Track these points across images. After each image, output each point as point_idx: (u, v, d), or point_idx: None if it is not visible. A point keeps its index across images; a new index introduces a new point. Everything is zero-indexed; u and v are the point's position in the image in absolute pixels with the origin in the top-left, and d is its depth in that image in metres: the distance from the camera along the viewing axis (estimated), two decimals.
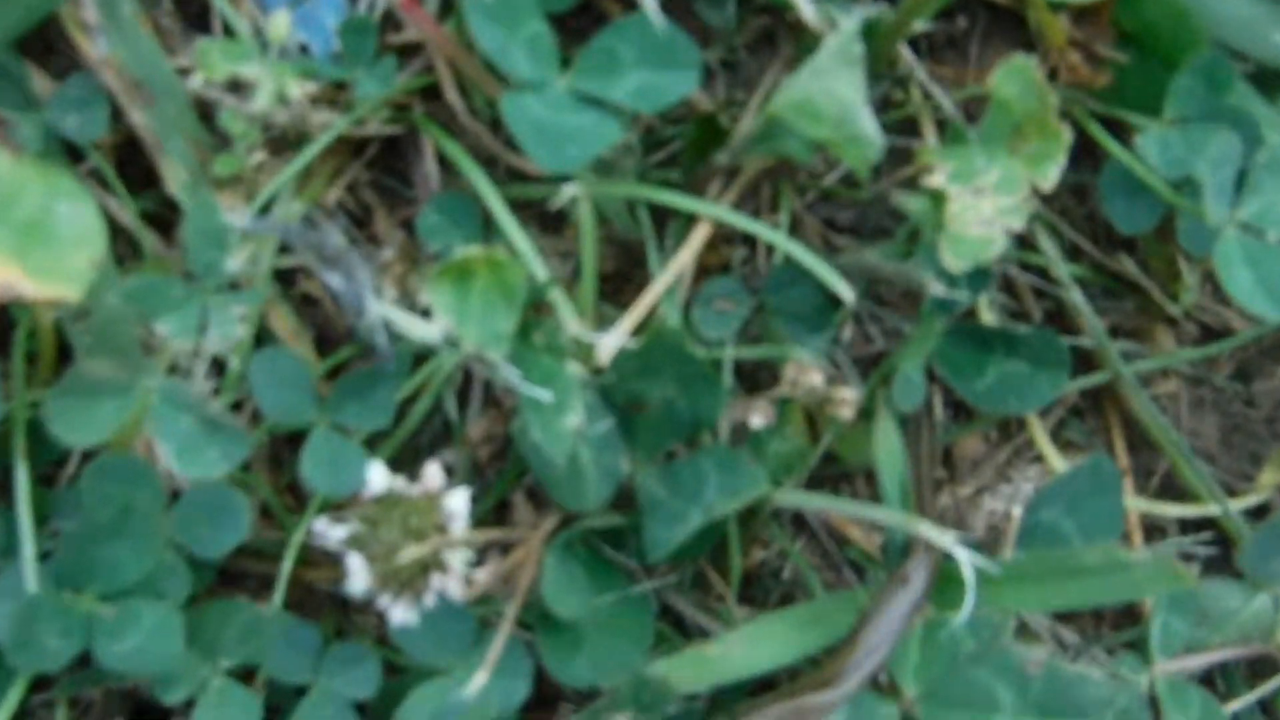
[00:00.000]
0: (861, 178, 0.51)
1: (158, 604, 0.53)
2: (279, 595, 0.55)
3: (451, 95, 0.59)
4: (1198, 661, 0.59)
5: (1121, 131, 0.60)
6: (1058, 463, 0.63)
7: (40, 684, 0.56)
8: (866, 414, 0.59)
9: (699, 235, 0.57)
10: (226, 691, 0.55)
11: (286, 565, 0.56)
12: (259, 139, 0.57)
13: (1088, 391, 0.65)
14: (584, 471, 0.54)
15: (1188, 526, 0.65)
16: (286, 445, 0.60)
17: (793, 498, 0.56)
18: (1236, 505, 0.64)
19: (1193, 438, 0.66)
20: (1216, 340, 0.65)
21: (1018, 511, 0.57)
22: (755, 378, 0.61)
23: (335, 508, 0.57)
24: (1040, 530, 0.58)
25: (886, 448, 0.54)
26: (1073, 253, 0.64)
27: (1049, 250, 0.62)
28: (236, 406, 0.58)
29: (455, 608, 0.53)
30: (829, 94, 0.52)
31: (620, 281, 0.62)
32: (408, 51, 0.61)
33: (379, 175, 0.62)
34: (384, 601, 0.52)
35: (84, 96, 0.56)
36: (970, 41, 0.64)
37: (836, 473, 0.63)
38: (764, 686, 0.56)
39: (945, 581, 0.55)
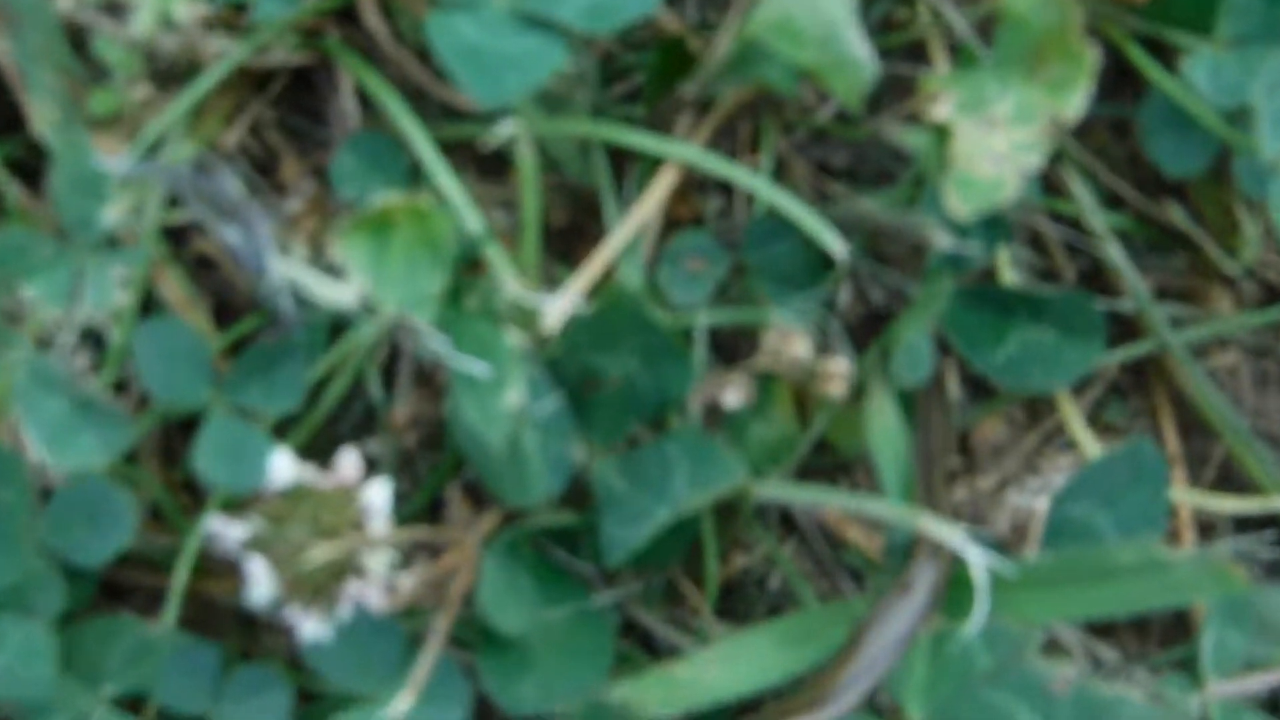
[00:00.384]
0: (853, 111, 0.52)
1: (25, 621, 0.55)
2: (172, 611, 0.57)
3: (371, 17, 0.60)
4: (1257, 682, 0.61)
5: (1166, 55, 0.62)
6: (1094, 450, 0.64)
7: None
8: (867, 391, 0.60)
9: (665, 181, 0.59)
10: None
11: (181, 575, 0.57)
12: (141, 70, 0.58)
13: (1130, 365, 0.67)
14: (528, 460, 0.55)
15: (1248, 524, 0.66)
16: (179, 432, 0.61)
17: (777, 490, 0.57)
18: None
19: (1255, 419, 0.67)
20: None
21: (1043, 504, 0.59)
22: (734, 349, 0.63)
23: (238, 506, 0.58)
24: (1070, 527, 0.59)
25: (883, 428, 0.56)
26: (1111, 200, 0.66)
27: (1082, 197, 0.64)
28: (119, 387, 0.59)
29: (377, 621, 0.55)
30: (812, 11, 0.53)
31: (573, 237, 0.63)
32: None
33: (286, 113, 0.63)
34: (292, 613, 0.53)
35: None
36: None
37: (832, 463, 0.65)
38: (744, 712, 0.58)
39: (956, 587, 0.56)
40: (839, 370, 0.55)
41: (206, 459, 0.55)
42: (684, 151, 0.58)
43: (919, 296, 0.58)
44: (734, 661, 0.57)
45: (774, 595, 0.64)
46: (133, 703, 0.57)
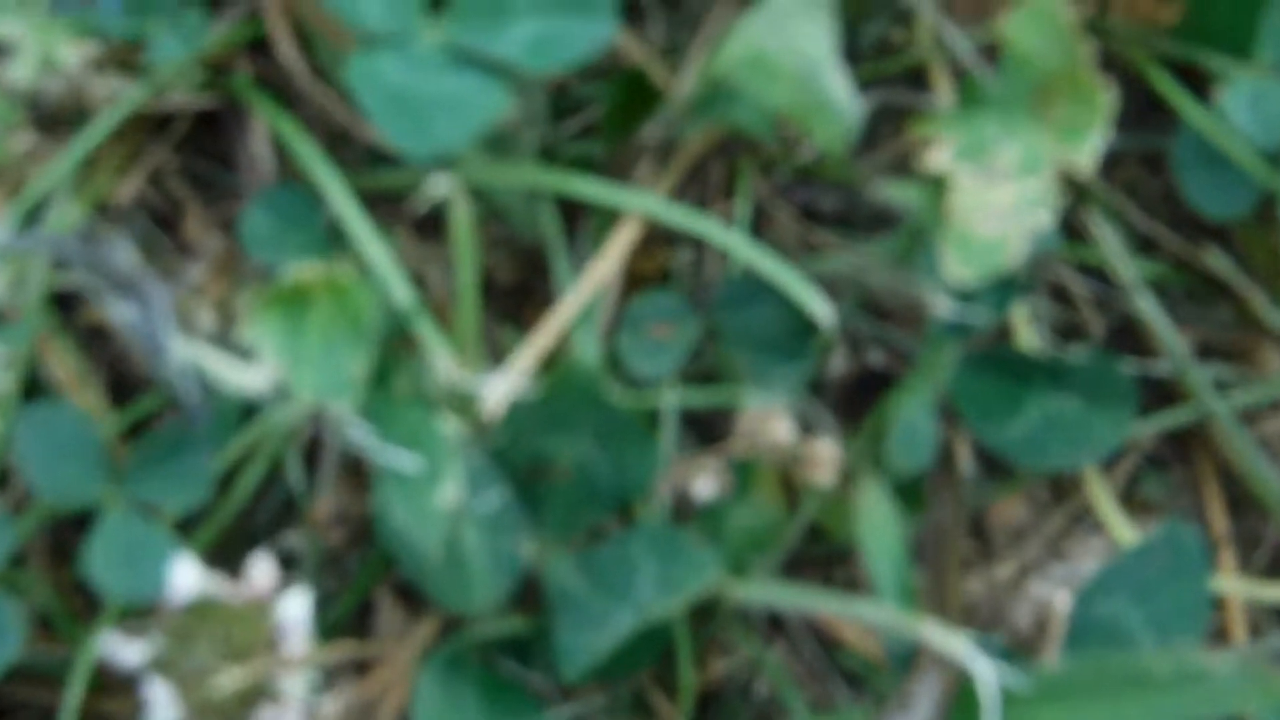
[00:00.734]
0: (833, 159, 0.54)
1: None
2: None
3: (286, 50, 0.62)
4: None
5: (1200, 81, 0.64)
6: (1127, 534, 0.66)
7: None
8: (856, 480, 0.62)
9: (624, 236, 0.61)
10: None
11: (74, 692, 0.59)
12: (23, 118, 0.60)
13: (1171, 434, 0.69)
14: (469, 562, 0.57)
15: None
16: (72, 526, 0.63)
17: (756, 591, 0.59)
18: None
19: None
20: None
21: (1064, 601, 0.61)
22: (708, 422, 0.65)
23: (138, 614, 0.60)
24: (1097, 627, 0.61)
25: (876, 523, 0.57)
26: (1144, 244, 0.68)
27: (1109, 243, 0.66)
28: (0, 480, 0.61)
29: None
30: (788, 46, 0.55)
31: (521, 296, 0.65)
32: None
33: (190, 157, 0.66)
34: None
35: None
36: None
37: (826, 551, 0.67)
38: None
39: (965, 699, 0.58)
40: (826, 455, 0.57)
41: (101, 565, 0.58)
42: (646, 203, 0.60)
43: (918, 365, 0.60)
44: None
45: (760, 704, 0.66)
46: None
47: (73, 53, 0.58)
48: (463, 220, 0.56)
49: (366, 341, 0.54)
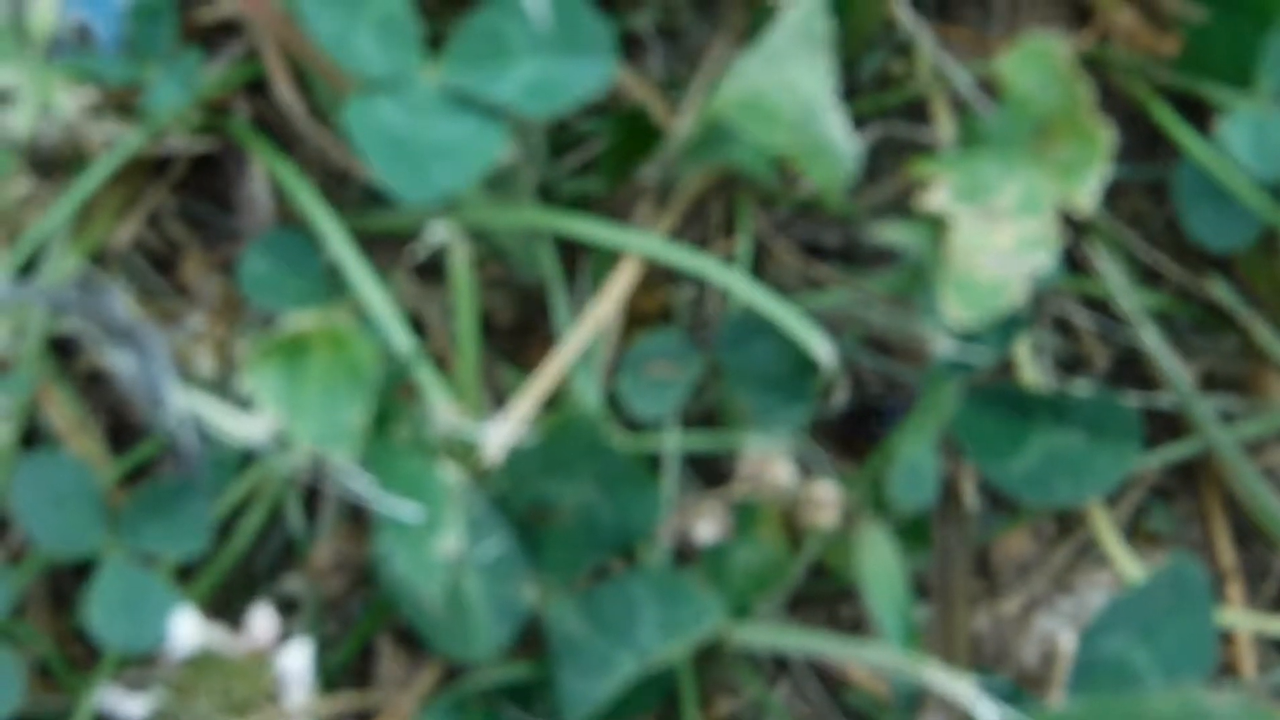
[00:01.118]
0: (831, 201, 0.55)
1: None
2: None
3: (284, 92, 0.62)
4: None
5: (1201, 113, 0.64)
6: (1132, 569, 0.66)
7: None
8: (877, 509, 0.62)
9: (624, 276, 0.61)
10: None
11: None
12: (21, 165, 0.60)
13: (1177, 465, 0.69)
14: (471, 609, 0.58)
15: None
16: (70, 574, 0.64)
17: (759, 634, 0.60)
18: None
19: None
20: None
21: (1069, 640, 0.61)
22: (712, 461, 0.65)
23: (138, 662, 0.60)
24: (1102, 665, 0.61)
25: (877, 565, 0.58)
26: (1148, 274, 0.68)
27: (1112, 276, 0.66)
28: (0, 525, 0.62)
29: None
30: (786, 88, 0.56)
31: (521, 336, 0.66)
32: (225, 32, 0.65)
33: (189, 199, 0.66)
34: None
35: None
36: None
37: (832, 589, 0.67)
38: None
39: None
40: (828, 497, 0.57)
41: (100, 615, 0.58)
42: (645, 243, 0.61)
43: (920, 403, 0.61)
44: None
45: None
46: None
47: (70, 100, 0.59)
48: (462, 268, 0.56)
49: (366, 391, 0.54)
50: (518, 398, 0.59)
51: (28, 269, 0.61)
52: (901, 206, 0.64)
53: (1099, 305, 0.68)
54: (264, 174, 0.64)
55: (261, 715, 0.54)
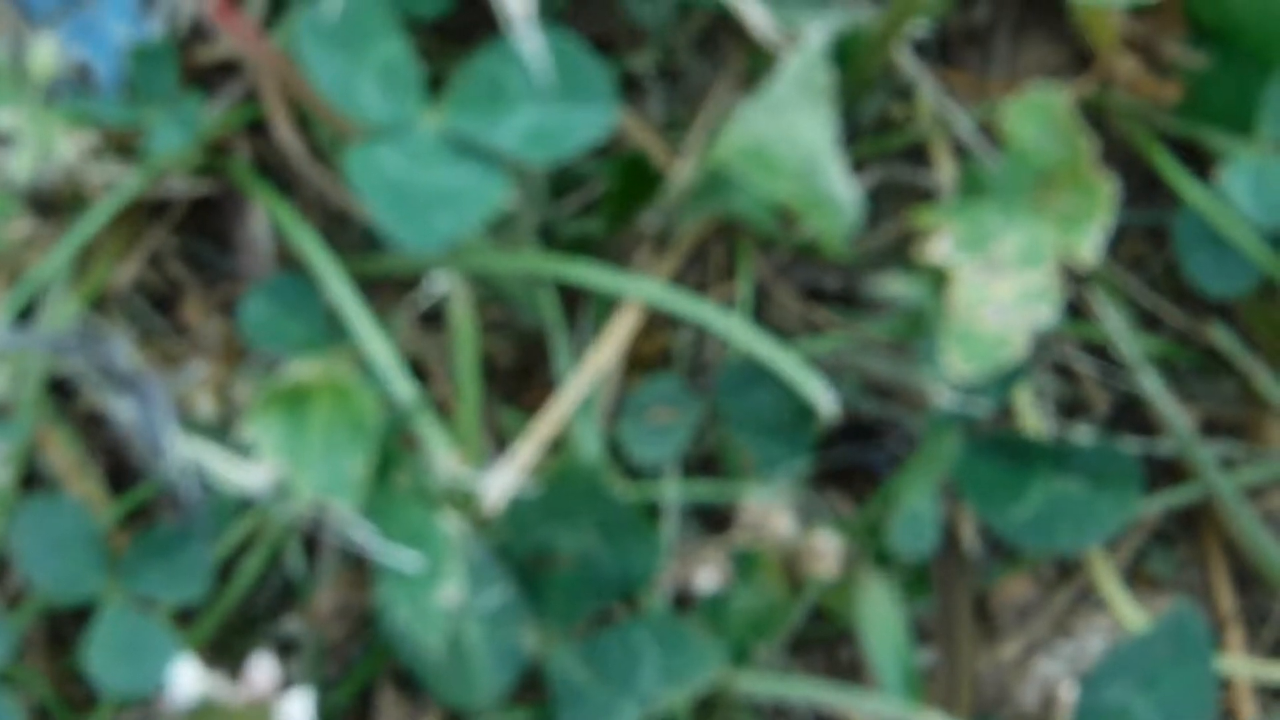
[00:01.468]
0: (831, 249, 0.55)
1: None
2: None
3: (284, 134, 0.63)
4: None
5: (1201, 160, 0.64)
6: (1132, 616, 0.67)
7: None
8: (876, 556, 0.63)
9: (624, 322, 0.62)
10: None
11: None
12: (20, 208, 0.61)
13: (1177, 511, 0.69)
14: (472, 656, 0.58)
15: None
16: (69, 617, 0.64)
17: (760, 683, 0.60)
18: None
19: None
20: None
21: (1069, 686, 0.61)
22: (713, 506, 0.66)
23: (138, 705, 0.61)
24: (1102, 713, 0.62)
25: (876, 614, 0.58)
26: (1148, 321, 0.69)
27: (1112, 321, 0.66)
28: None
29: None
30: (788, 138, 0.56)
31: (522, 379, 0.66)
32: (225, 73, 0.65)
33: (189, 239, 0.66)
34: None
35: None
36: (996, 38, 0.68)
37: (833, 631, 0.67)
38: None
39: None
40: (828, 548, 0.58)
41: (100, 660, 0.58)
42: (645, 289, 0.61)
43: (920, 453, 0.61)
44: None
45: None
46: None
47: (70, 142, 0.59)
48: (464, 316, 0.56)
49: (368, 441, 0.54)
50: (518, 444, 0.59)
51: (28, 311, 0.62)
52: (902, 251, 0.65)
53: (1099, 350, 0.68)
54: (264, 216, 0.64)
55: None
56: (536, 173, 0.64)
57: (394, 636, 0.57)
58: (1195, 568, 0.70)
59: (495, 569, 0.58)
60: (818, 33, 0.57)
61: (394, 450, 0.57)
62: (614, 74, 0.59)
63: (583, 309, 0.64)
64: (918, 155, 0.68)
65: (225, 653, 0.66)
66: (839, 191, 0.56)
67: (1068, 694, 0.61)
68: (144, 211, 0.65)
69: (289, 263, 0.65)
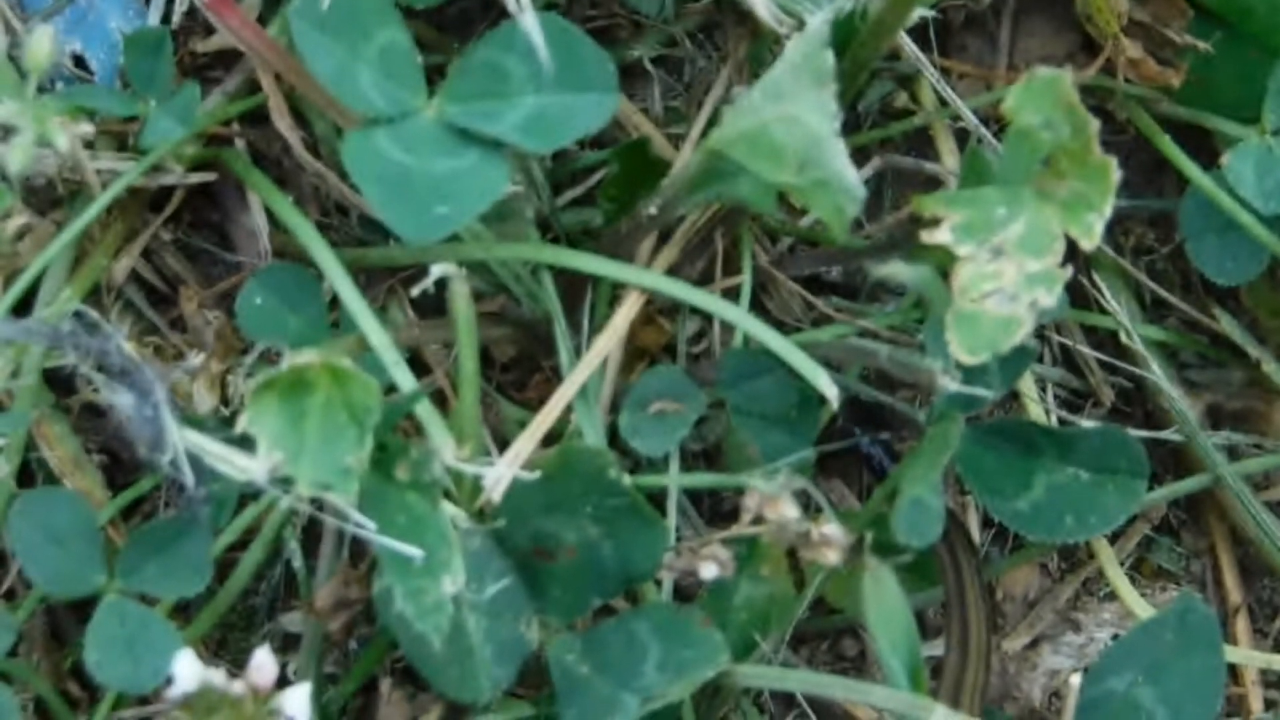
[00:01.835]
0: (835, 234, 0.55)
1: None
2: None
3: (282, 123, 0.63)
4: None
5: (1206, 146, 0.64)
6: (1139, 605, 0.66)
7: None
8: (880, 546, 0.62)
9: (625, 312, 0.61)
10: None
11: None
12: (16, 200, 0.60)
13: (1182, 500, 0.69)
14: (473, 649, 0.58)
15: None
16: (68, 612, 0.64)
17: (764, 676, 0.60)
18: None
19: None
20: None
21: (1075, 676, 0.61)
22: (716, 495, 0.65)
23: (138, 700, 0.61)
24: (1110, 704, 0.61)
25: (882, 606, 0.58)
26: (1154, 308, 0.69)
27: (1117, 308, 0.66)
28: None
29: None
30: (790, 125, 0.56)
31: (523, 369, 0.66)
32: (223, 62, 0.65)
33: (186, 231, 0.66)
34: None
35: None
36: (999, 25, 0.68)
37: (839, 622, 0.67)
38: None
39: None
40: (833, 537, 0.57)
41: (99, 655, 0.58)
42: (646, 278, 0.61)
43: (924, 441, 0.61)
44: None
45: None
46: None
47: (66, 134, 0.59)
48: (464, 306, 0.56)
49: (366, 430, 0.54)
50: (518, 435, 0.59)
51: (26, 303, 0.62)
52: (905, 238, 0.65)
53: (1104, 338, 0.68)
54: (261, 207, 0.64)
55: None
56: (537, 163, 0.63)
57: (394, 628, 0.57)
58: (1201, 558, 0.70)
59: (496, 560, 0.58)
60: (819, 18, 0.56)
61: (393, 441, 0.56)
62: (614, 63, 0.59)
63: (584, 298, 0.64)
64: (921, 142, 0.68)
65: (224, 646, 0.66)
66: (842, 176, 0.55)
67: (1074, 681, 0.61)
68: (141, 204, 0.64)
69: (286, 253, 0.64)
